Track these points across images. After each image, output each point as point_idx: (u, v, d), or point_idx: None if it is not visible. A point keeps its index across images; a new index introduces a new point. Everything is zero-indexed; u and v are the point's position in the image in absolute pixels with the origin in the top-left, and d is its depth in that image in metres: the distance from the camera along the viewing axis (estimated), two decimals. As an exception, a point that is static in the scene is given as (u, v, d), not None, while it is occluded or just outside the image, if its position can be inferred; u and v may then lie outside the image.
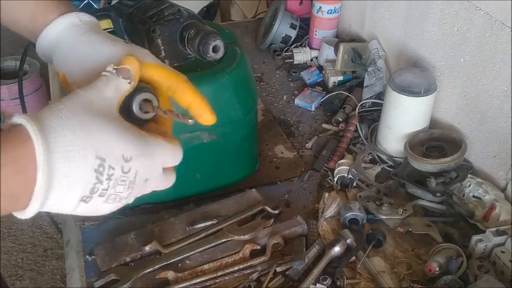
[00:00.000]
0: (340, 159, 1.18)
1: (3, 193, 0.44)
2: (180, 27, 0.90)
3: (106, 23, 0.97)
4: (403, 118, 1.15)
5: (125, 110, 0.58)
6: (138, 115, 0.59)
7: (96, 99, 0.51)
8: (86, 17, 0.68)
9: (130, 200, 0.54)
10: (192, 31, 0.89)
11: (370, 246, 0.97)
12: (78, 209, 0.50)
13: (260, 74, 1.56)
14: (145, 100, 0.59)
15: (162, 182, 0.57)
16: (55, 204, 0.48)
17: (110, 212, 0.53)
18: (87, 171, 0.47)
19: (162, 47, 0.93)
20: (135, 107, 0.58)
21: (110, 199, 0.51)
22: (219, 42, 0.88)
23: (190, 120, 0.56)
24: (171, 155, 0.56)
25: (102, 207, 0.51)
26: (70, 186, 0.47)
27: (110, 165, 0.49)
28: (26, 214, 0.47)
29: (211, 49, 0.88)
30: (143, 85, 0.61)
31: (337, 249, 0.94)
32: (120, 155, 0.49)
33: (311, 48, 1.63)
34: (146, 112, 0.60)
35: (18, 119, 0.46)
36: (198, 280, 0.91)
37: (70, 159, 0.46)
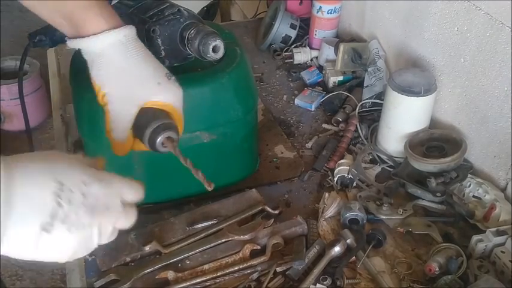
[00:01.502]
0: (340, 159, 1.18)
1: None
2: (180, 27, 0.90)
3: None
4: (403, 118, 1.15)
5: (138, 132, 0.65)
6: (158, 148, 0.72)
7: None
8: (128, 31, 0.73)
9: (95, 232, 0.53)
10: (192, 31, 0.89)
11: (370, 246, 0.97)
12: (40, 244, 0.47)
13: (260, 74, 1.56)
14: (168, 137, 0.71)
15: (124, 215, 0.57)
16: (14, 235, 0.46)
17: (75, 255, 0.51)
18: (46, 193, 0.47)
19: (162, 47, 0.93)
20: (158, 141, 0.71)
21: (73, 227, 0.49)
22: (219, 42, 0.88)
23: (210, 187, 0.68)
24: (129, 187, 0.58)
25: (67, 241, 0.50)
26: (30, 210, 0.46)
27: (70, 188, 0.49)
28: None
29: (211, 49, 0.88)
30: (169, 122, 0.72)
31: (337, 249, 0.94)
32: (79, 180, 0.50)
33: (311, 48, 1.63)
34: (165, 147, 0.72)
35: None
36: (198, 280, 0.91)
37: (29, 182, 0.46)
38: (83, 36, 0.71)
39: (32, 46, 0.97)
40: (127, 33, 0.73)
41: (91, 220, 0.52)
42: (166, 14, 0.89)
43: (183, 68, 1.00)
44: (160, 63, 0.76)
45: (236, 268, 0.93)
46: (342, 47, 1.44)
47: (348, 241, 0.96)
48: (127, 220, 0.58)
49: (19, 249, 0.48)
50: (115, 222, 0.56)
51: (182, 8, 0.90)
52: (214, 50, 0.89)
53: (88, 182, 0.51)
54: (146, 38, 0.92)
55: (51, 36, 0.96)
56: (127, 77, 0.71)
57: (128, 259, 0.95)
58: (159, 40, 0.92)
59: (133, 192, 0.59)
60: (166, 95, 0.73)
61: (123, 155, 0.76)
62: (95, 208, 0.52)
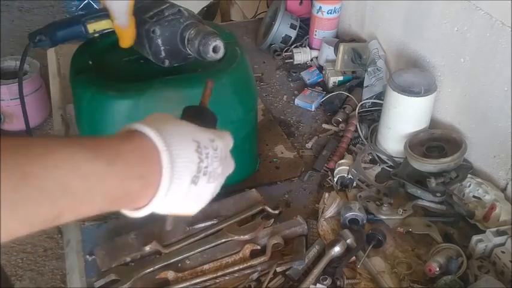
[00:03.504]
0: (340, 159, 1.18)
1: (135, 176, 0.51)
2: (180, 27, 0.89)
3: (106, 23, 0.97)
4: (403, 118, 1.15)
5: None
6: None
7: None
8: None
9: (223, 179, 0.62)
10: (192, 31, 0.89)
11: (370, 246, 0.97)
12: (188, 196, 0.56)
13: (260, 74, 1.56)
14: None
15: (232, 163, 0.65)
16: (173, 192, 0.54)
17: (211, 197, 0.61)
18: (191, 152, 0.56)
19: (162, 47, 0.93)
20: None
21: (211, 177, 0.58)
22: (219, 43, 0.88)
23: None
24: (231, 138, 0.65)
25: (207, 191, 0.59)
26: (184, 167, 0.54)
27: (204, 145, 0.57)
28: (152, 205, 0.53)
29: (211, 49, 0.88)
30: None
31: (337, 249, 0.94)
32: (207, 138, 0.59)
33: (311, 48, 1.63)
34: None
35: (135, 125, 0.54)
36: (198, 280, 0.91)
37: (179, 146, 0.54)
38: None
39: (32, 46, 0.97)
40: None
41: (222, 171, 0.61)
42: (167, 14, 0.89)
43: (183, 68, 1.00)
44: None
45: (236, 268, 0.93)
46: (342, 47, 1.44)
47: (348, 241, 0.96)
48: (232, 166, 0.66)
49: (171, 205, 0.56)
50: (230, 170, 0.65)
51: (182, 8, 0.90)
52: (215, 50, 0.89)
53: (212, 138, 0.60)
54: (146, 38, 0.92)
55: (51, 36, 0.96)
56: None
57: (128, 259, 0.95)
58: (159, 40, 0.92)
59: (231, 141, 0.66)
60: None
61: (129, 44, 0.88)
62: (222, 160, 0.60)
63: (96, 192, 0.48)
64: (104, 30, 0.98)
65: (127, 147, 0.51)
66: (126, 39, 0.93)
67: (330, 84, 1.47)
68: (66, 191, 0.45)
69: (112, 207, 0.51)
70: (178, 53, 0.95)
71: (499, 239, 0.93)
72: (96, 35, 0.97)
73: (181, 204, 0.58)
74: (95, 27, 0.95)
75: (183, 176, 0.54)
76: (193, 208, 0.61)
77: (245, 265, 0.93)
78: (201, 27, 0.89)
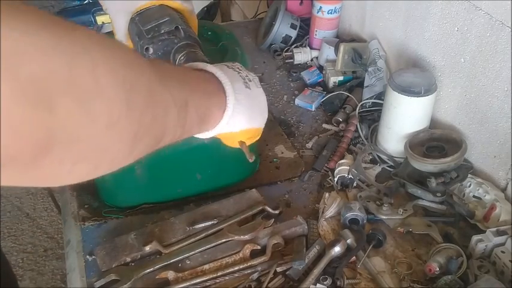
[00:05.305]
0: (341, 159, 1.18)
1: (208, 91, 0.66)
2: (173, 47, 0.87)
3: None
4: (403, 118, 1.15)
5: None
6: None
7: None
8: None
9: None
10: (182, 57, 0.86)
11: (371, 246, 0.97)
12: (250, 97, 0.72)
13: (260, 74, 1.56)
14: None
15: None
16: (238, 90, 0.70)
17: (266, 102, 0.82)
18: (232, 71, 0.73)
19: None
20: None
21: (256, 83, 0.77)
22: None
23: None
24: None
25: (259, 92, 0.78)
26: (233, 74, 0.72)
27: (247, 75, 0.76)
28: (228, 111, 0.68)
29: None
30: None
31: (337, 249, 0.94)
32: (244, 75, 0.75)
33: (311, 48, 1.63)
34: None
35: (206, 66, 0.70)
36: (198, 280, 0.91)
37: (225, 70, 0.71)
38: None
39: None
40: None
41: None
42: (162, 31, 0.86)
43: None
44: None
45: (236, 268, 0.93)
46: (342, 47, 1.44)
47: (348, 241, 0.96)
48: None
49: (242, 112, 0.71)
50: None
51: (181, 26, 0.87)
52: None
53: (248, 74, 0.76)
54: (141, 53, 0.90)
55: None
56: None
57: (128, 259, 0.95)
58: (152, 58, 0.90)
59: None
60: None
61: None
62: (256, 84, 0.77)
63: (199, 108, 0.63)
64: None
65: (202, 77, 0.68)
66: None
67: (330, 84, 1.47)
68: (187, 106, 0.58)
69: (201, 124, 0.65)
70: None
71: (499, 239, 0.93)
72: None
73: (249, 112, 0.73)
74: (104, 19, 0.95)
75: (236, 81, 0.70)
76: (260, 118, 0.80)
77: (245, 265, 0.94)
78: (192, 53, 0.86)
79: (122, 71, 0.43)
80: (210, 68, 0.69)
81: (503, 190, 1.06)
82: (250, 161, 0.80)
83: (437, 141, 1.10)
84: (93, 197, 1.10)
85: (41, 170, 0.39)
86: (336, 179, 1.13)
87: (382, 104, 1.20)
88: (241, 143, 0.78)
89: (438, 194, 1.03)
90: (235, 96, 0.68)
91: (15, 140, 0.34)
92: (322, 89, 1.47)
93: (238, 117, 0.71)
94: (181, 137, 0.60)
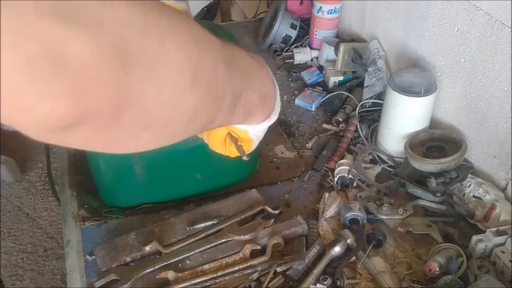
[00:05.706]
0: (341, 159, 1.18)
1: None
2: None
3: None
4: (403, 118, 1.15)
5: None
6: None
7: None
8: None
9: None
10: None
11: (371, 246, 0.97)
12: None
13: (260, 74, 1.56)
14: None
15: None
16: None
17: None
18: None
19: None
20: None
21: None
22: None
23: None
24: None
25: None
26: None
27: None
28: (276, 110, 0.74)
29: None
30: None
31: (337, 249, 0.94)
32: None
33: (311, 48, 1.63)
34: None
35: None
36: (198, 280, 0.91)
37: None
38: None
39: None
40: None
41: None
42: None
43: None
44: None
45: (236, 268, 0.93)
46: (342, 47, 1.44)
47: (348, 241, 0.96)
48: None
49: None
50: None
51: None
52: None
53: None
54: None
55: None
56: None
57: (128, 259, 0.95)
58: None
59: None
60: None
61: None
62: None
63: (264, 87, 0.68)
64: None
65: (264, 77, 0.71)
66: None
67: (330, 84, 1.47)
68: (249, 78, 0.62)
69: (244, 119, 0.66)
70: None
71: (499, 239, 0.93)
72: None
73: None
74: None
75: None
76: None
77: (245, 265, 0.94)
78: None
79: (189, 48, 0.46)
80: (269, 70, 0.72)
81: (503, 190, 1.06)
82: (245, 159, 0.80)
83: (437, 141, 1.10)
84: (93, 197, 1.10)
85: (114, 133, 0.42)
86: (336, 179, 1.13)
87: (382, 104, 1.20)
88: (236, 142, 0.78)
89: (438, 194, 1.03)
90: (277, 109, 0.71)
91: (97, 97, 0.37)
92: (322, 89, 1.47)
93: (264, 127, 0.74)
94: (224, 124, 0.63)
